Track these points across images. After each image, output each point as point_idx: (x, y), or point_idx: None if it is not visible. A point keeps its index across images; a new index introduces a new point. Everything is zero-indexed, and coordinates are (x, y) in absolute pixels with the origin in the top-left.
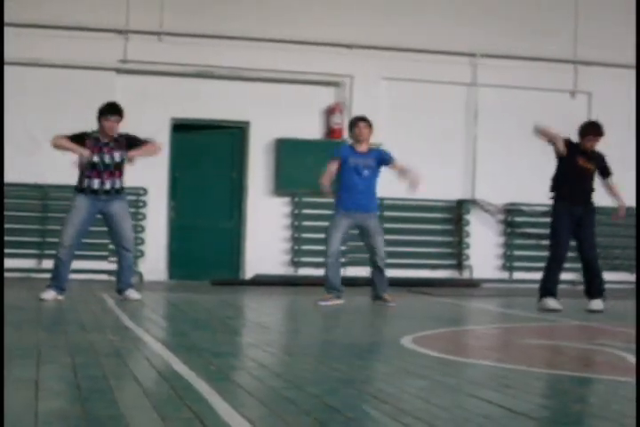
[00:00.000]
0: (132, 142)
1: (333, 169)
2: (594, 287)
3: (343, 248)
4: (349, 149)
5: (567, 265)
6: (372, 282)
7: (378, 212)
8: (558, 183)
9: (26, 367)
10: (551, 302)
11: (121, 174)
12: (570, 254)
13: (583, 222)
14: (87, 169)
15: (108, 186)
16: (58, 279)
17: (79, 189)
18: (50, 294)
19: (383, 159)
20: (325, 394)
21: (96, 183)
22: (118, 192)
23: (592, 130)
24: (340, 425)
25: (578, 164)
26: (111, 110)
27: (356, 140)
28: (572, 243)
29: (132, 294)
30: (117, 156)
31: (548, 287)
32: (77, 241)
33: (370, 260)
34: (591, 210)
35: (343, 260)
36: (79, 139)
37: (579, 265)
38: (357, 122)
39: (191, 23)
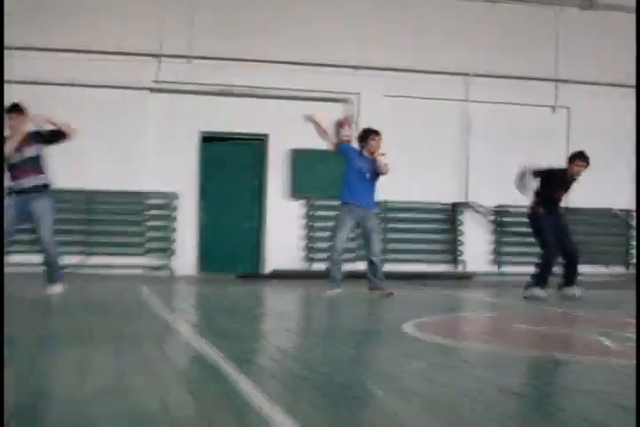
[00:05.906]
0: (49, 133)
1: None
2: (575, 277)
3: (352, 246)
4: (358, 153)
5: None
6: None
7: (376, 210)
8: (542, 199)
9: (73, 350)
10: (539, 292)
11: (35, 171)
12: None
13: (561, 224)
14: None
15: (25, 185)
16: None
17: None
18: None
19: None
20: (335, 373)
21: (16, 184)
22: (38, 190)
23: (585, 159)
24: (349, 400)
25: (556, 192)
26: (9, 108)
27: (369, 152)
28: None
29: (49, 289)
30: (28, 151)
31: (544, 279)
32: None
33: (366, 254)
34: (562, 214)
35: (353, 255)
36: None
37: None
38: (376, 136)
39: (216, 48)
